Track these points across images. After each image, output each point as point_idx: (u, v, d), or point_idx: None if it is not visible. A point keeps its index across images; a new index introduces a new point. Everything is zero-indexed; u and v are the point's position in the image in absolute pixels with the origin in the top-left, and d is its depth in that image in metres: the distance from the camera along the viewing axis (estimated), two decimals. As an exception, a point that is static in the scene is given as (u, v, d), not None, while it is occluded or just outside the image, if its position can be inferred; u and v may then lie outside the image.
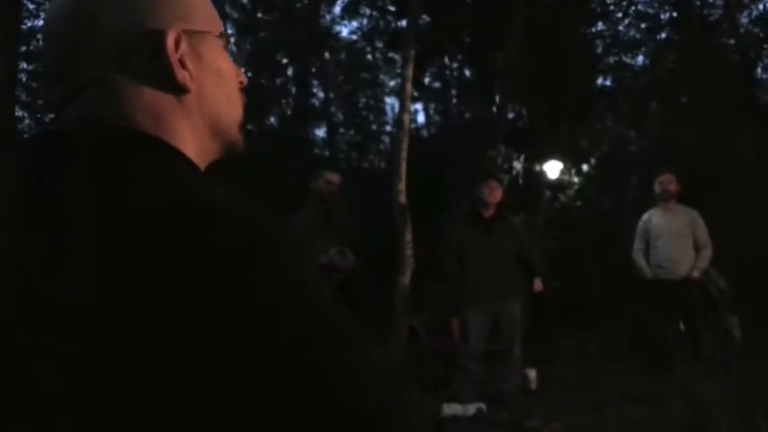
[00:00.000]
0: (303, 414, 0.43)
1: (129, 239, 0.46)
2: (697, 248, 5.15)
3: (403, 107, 4.97)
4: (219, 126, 0.65)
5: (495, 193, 4.64)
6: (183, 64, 0.61)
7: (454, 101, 16.28)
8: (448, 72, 15.12)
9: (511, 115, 9.87)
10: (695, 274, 5.08)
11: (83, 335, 0.45)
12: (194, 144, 0.62)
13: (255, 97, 14.02)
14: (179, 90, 0.61)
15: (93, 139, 0.55)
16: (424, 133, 17.11)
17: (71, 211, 0.50)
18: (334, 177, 4.20)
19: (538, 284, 4.80)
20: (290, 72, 16.33)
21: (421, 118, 18.16)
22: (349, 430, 0.44)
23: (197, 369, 0.43)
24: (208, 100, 0.64)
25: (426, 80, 13.58)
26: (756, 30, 10.18)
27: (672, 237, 5.15)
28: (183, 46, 0.61)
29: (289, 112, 15.95)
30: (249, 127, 15.07)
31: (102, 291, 0.45)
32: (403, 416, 0.47)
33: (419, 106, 17.27)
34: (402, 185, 4.63)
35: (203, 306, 0.44)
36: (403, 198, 4.65)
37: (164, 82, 0.60)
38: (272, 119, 15.74)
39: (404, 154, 4.71)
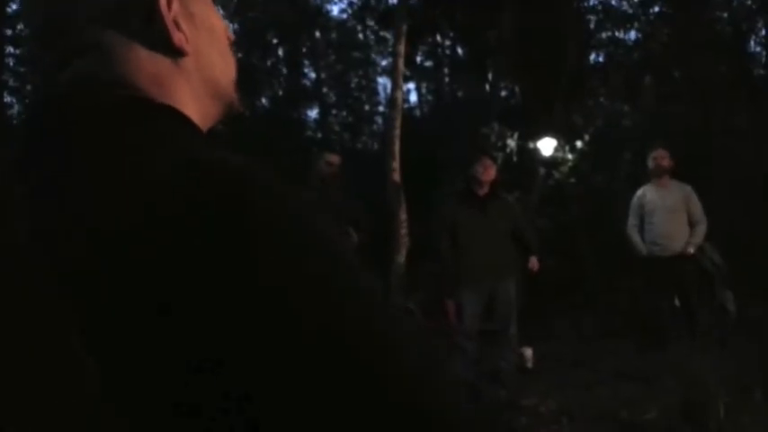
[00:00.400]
0: (346, 370, 0.42)
1: (151, 207, 0.44)
2: (691, 224, 5.15)
3: (395, 85, 4.91)
4: (218, 87, 0.64)
5: (488, 171, 4.60)
6: (177, 25, 0.59)
7: (447, 79, 16.16)
8: (440, 50, 14.99)
9: (504, 93, 9.81)
10: (690, 249, 5.08)
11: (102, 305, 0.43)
12: (196, 108, 0.61)
13: (246, 78, 13.91)
14: (176, 53, 0.59)
15: (98, 108, 0.53)
16: (417, 113, 17.02)
17: (80, 185, 0.47)
18: (335, 158, 4.30)
19: (533, 262, 4.78)
20: (280, 52, 16.18)
21: (413, 97, 18.06)
22: (389, 388, 0.42)
23: (243, 330, 0.42)
24: (205, 61, 0.62)
25: (418, 59, 13.49)
26: (749, 2, 10.10)
27: (666, 212, 5.15)
28: (175, 5, 0.59)
29: (280, 92, 15.84)
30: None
31: (126, 260, 0.43)
32: (436, 373, 0.46)
33: (411, 86, 17.17)
34: (396, 164, 4.59)
35: (247, 269, 0.42)
36: (397, 177, 4.61)
37: (160, 45, 0.58)
38: (264, 100, 15.63)
39: (397, 132, 4.66)
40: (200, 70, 0.61)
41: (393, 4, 8.52)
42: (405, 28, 4.97)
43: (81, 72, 0.57)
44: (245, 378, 0.41)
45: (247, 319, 0.41)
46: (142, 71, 0.57)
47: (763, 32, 9.18)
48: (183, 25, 0.59)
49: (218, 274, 0.42)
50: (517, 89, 9.60)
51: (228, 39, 0.68)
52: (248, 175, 0.47)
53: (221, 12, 0.61)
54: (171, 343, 0.41)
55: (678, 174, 5.31)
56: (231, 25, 16.23)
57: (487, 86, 9.28)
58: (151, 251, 0.43)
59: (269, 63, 15.68)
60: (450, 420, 0.44)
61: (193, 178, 0.46)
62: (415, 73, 15.08)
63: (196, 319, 0.41)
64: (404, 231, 4.52)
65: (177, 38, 0.58)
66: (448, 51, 14.72)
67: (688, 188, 5.22)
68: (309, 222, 0.48)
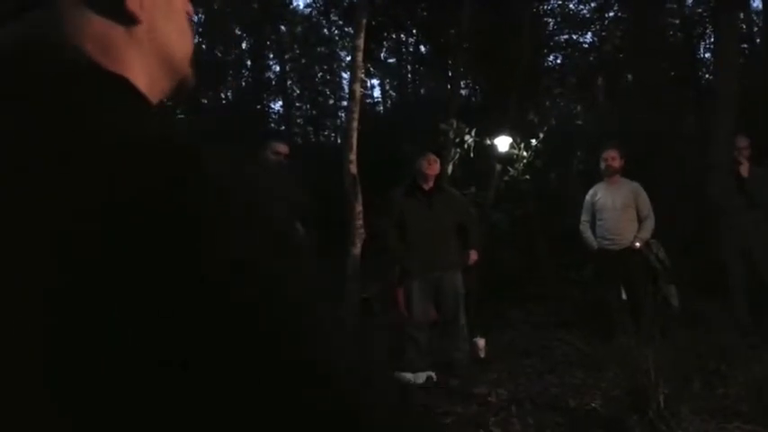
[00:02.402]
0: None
1: (94, 190, 0.42)
2: (640, 220, 5.35)
3: (354, 77, 4.95)
4: (171, 60, 0.60)
5: (433, 166, 4.73)
6: None
7: (410, 76, 16.28)
8: (403, 48, 15.08)
9: (465, 91, 9.94)
10: (637, 244, 5.27)
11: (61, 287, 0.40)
12: (145, 80, 0.57)
13: (211, 69, 13.74)
14: (129, 20, 0.56)
15: (46, 74, 0.49)
16: (380, 108, 17.09)
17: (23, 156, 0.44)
18: (282, 147, 4.16)
19: (472, 255, 4.90)
20: (244, 45, 16.03)
21: (377, 93, 18.14)
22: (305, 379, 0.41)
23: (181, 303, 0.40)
24: (159, 32, 0.58)
25: (382, 55, 13.54)
26: (700, 9, 10.47)
27: (615, 210, 5.34)
28: None
29: (244, 84, 15.69)
30: (204, 100, 14.80)
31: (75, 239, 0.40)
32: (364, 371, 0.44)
33: (375, 82, 17.24)
34: (353, 156, 4.64)
35: (188, 259, 0.40)
36: (353, 169, 4.66)
37: (113, 10, 0.55)
38: (228, 92, 15.46)
39: (355, 124, 4.71)
40: (153, 41, 0.58)
41: (356, 0, 8.56)
42: (365, 22, 5.01)
43: (27, 30, 0.53)
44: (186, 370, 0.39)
45: (185, 311, 0.39)
46: (90, 36, 0.54)
47: (712, 39, 9.51)
48: None
49: (158, 263, 0.40)
50: (477, 87, 9.76)
51: (187, 14, 0.64)
52: (196, 156, 0.45)
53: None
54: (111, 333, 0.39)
55: (628, 172, 5.50)
56: (194, 15, 15.98)
57: (448, 84, 9.39)
58: (93, 236, 0.40)
59: (233, 55, 15.52)
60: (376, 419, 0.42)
61: (138, 159, 0.43)
62: (379, 69, 15.15)
63: (134, 310, 0.39)
64: (359, 223, 4.57)
65: (131, 3, 0.55)
66: (411, 48, 14.83)
67: (636, 185, 5.41)
68: (257, 209, 0.45)
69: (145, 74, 0.57)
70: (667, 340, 4.74)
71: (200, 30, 16.22)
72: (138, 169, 0.42)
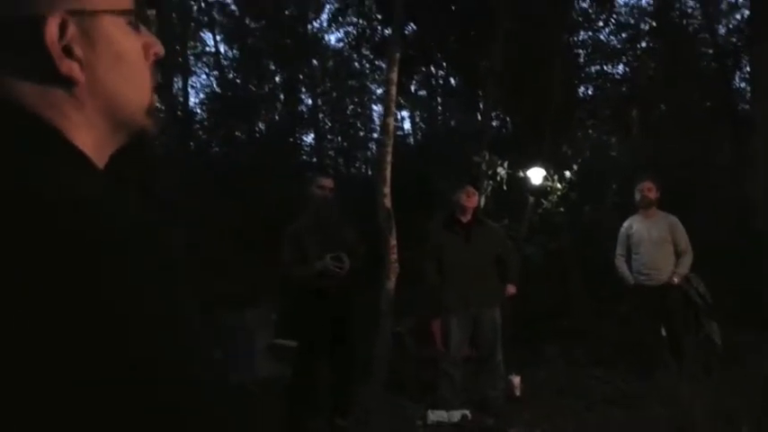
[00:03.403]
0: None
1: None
2: (677, 254, 5.22)
3: (387, 111, 5.00)
4: (120, 114, 0.59)
5: (472, 199, 4.70)
6: (69, 52, 0.54)
7: (440, 108, 16.39)
8: (434, 80, 15.22)
9: (496, 123, 9.96)
10: (675, 279, 5.15)
11: None
12: (91, 135, 0.57)
13: (244, 103, 14.06)
14: (66, 82, 0.55)
15: None
16: (411, 140, 17.19)
17: None
18: (327, 182, 4.21)
19: (510, 289, 4.84)
20: (278, 79, 16.36)
21: (408, 125, 18.28)
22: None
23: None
24: (104, 89, 0.57)
25: (412, 88, 13.68)
26: (734, 39, 10.37)
27: (652, 243, 5.23)
28: (72, 30, 0.54)
29: (277, 117, 15.96)
30: (237, 133, 15.11)
31: None
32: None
33: (405, 114, 17.39)
34: (387, 189, 4.65)
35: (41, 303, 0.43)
36: (388, 202, 4.68)
37: (47, 73, 0.54)
38: (261, 125, 15.74)
39: (389, 158, 4.74)
40: (96, 97, 0.57)
41: (388, 35, 8.69)
42: (398, 56, 5.08)
43: None
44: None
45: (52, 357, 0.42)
46: (26, 96, 0.54)
47: (748, 68, 9.39)
48: (79, 51, 0.55)
49: (44, 315, 0.43)
50: (508, 119, 9.77)
51: (155, 55, 0.63)
52: (90, 208, 0.47)
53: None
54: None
55: (664, 204, 5.40)
56: (229, 51, 16.30)
57: (479, 116, 9.42)
58: None
59: (266, 88, 15.84)
60: None
61: (40, 212, 0.45)
62: (409, 101, 15.29)
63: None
64: (394, 257, 4.56)
65: (66, 67, 0.54)
66: (441, 81, 14.95)
67: (674, 219, 5.30)
68: (129, 275, 0.47)
69: (88, 129, 0.57)
70: (711, 378, 4.60)
71: (235, 65, 16.66)
72: (35, 222, 0.45)
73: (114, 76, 0.58)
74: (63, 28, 0.54)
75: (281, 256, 4.09)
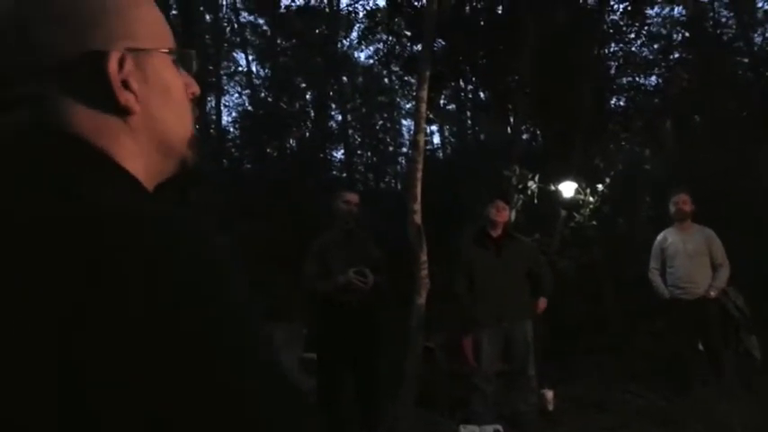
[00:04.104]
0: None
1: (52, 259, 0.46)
2: (714, 267, 5.12)
3: (417, 128, 5.04)
4: (168, 144, 0.64)
5: (502, 213, 4.70)
6: (126, 85, 0.59)
7: (469, 122, 16.40)
8: (463, 94, 15.25)
9: (526, 136, 9.92)
10: (712, 293, 5.05)
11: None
12: (141, 163, 0.61)
13: (275, 120, 14.28)
14: (122, 112, 0.60)
15: (33, 154, 0.54)
16: (440, 154, 17.23)
17: None
18: (352, 197, 4.22)
19: (541, 304, 4.80)
20: (308, 96, 16.59)
21: (437, 139, 18.32)
22: None
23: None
24: (155, 120, 0.62)
25: (442, 102, 13.72)
26: (769, 48, 10.19)
27: (688, 257, 5.13)
28: (128, 66, 0.59)
29: (308, 134, 16.15)
30: (269, 150, 15.34)
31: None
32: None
33: (435, 128, 17.44)
34: (417, 206, 4.67)
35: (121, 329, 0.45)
36: (418, 218, 4.69)
37: (106, 103, 0.59)
38: (292, 141, 15.95)
39: (419, 174, 4.76)
40: (148, 129, 0.62)
41: (417, 51, 8.76)
42: (428, 74, 5.12)
43: (21, 119, 0.57)
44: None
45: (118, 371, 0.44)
46: (83, 125, 0.57)
47: (785, 77, 9.20)
48: (135, 85, 0.60)
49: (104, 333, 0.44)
50: (538, 132, 9.72)
51: (192, 95, 0.68)
52: (159, 226, 0.49)
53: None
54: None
55: (699, 217, 5.31)
56: (261, 70, 16.57)
57: (509, 129, 9.40)
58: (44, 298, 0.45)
59: (297, 106, 16.06)
60: None
61: (106, 228, 0.48)
62: (439, 116, 15.33)
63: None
64: (424, 273, 4.57)
65: (124, 98, 0.59)
66: (470, 95, 14.97)
67: (709, 231, 5.20)
68: (210, 281, 0.49)
69: (140, 158, 0.61)
70: (751, 394, 4.49)
71: (267, 84, 16.95)
72: (108, 237, 0.47)
73: (163, 109, 0.63)
74: (121, 63, 0.59)
75: (305, 269, 4.13)
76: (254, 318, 0.51)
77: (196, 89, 0.69)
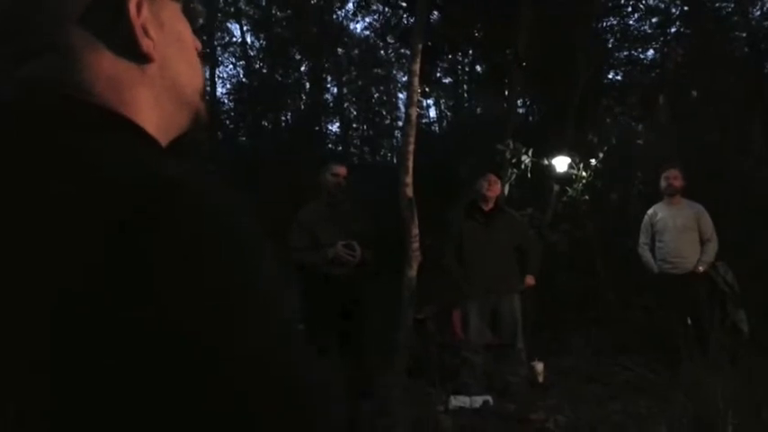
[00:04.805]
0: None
1: (82, 214, 0.45)
2: (702, 242, 5.17)
3: (410, 101, 5.01)
4: (183, 95, 0.63)
5: (494, 187, 4.72)
6: (145, 31, 0.58)
7: (465, 96, 16.30)
8: (459, 67, 15.13)
9: (522, 110, 9.88)
10: (701, 268, 5.10)
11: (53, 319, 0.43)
12: (157, 116, 0.60)
13: (270, 92, 14.18)
14: (142, 59, 0.58)
15: (43, 115, 0.52)
16: (436, 128, 17.16)
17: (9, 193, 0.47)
18: (341, 169, 4.20)
19: (529, 281, 4.83)
20: (303, 68, 16.44)
21: (433, 113, 18.22)
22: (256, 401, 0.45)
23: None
24: (171, 69, 0.61)
25: (438, 75, 13.62)
26: (767, 23, 10.09)
27: (677, 231, 5.17)
28: (145, 12, 0.58)
29: (303, 107, 16.05)
30: (264, 122, 15.25)
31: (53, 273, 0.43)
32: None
33: (431, 101, 17.34)
34: (409, 179, 4.67)
35: (146, 288, 0.43)
36: (410, 191, 4.70)
37: (126, 50, 0.57)
38: (287, 114, 15.86)
39: (411, 147, 4.74)
40: (165, 78, 0.60)
41: (413, 23, 8.67)
42: (421, 47, 5.07)
43: (36, 73, 0.55)
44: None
45: (136, 342, 0.42)
46: (102, 76, 0.56)
47: (783, 52, 9.15)
48: (152, 32, 0.59)
49: (119, 299, 0.42)
50: (534, 106, 9.69)
51: (196, 49, 0.67)
52: (179, 189, 0.47)
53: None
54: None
55: (691, 192, 5.33)
56: (256, 41, 16.39)
57: (505, 104, 9.37)
58: (64, 267, 0.43)
59: (293, 78, 15.93)
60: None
61: (122, 192, 0.46)
62: (435, 89, 15.22)
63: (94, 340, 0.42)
64: (416, 245, 4.59)
65: (146, 44, 0.58)
66: (467, 68, 14.87)
67: (699, 206, 5.23)
68: (233, 245, 0.47)
69: (155, 109, 0.59)
70: (737, 368, 4.55)
71: (261, 55, 16.78)
72: (121, 201, 0.45)
73: (178, 57, 0.62)
74: (139, 8, 0.58)
75: (292, 241, 4.12)
76: (285, 298, 0.50)
77: (198, 44, 0.67)
